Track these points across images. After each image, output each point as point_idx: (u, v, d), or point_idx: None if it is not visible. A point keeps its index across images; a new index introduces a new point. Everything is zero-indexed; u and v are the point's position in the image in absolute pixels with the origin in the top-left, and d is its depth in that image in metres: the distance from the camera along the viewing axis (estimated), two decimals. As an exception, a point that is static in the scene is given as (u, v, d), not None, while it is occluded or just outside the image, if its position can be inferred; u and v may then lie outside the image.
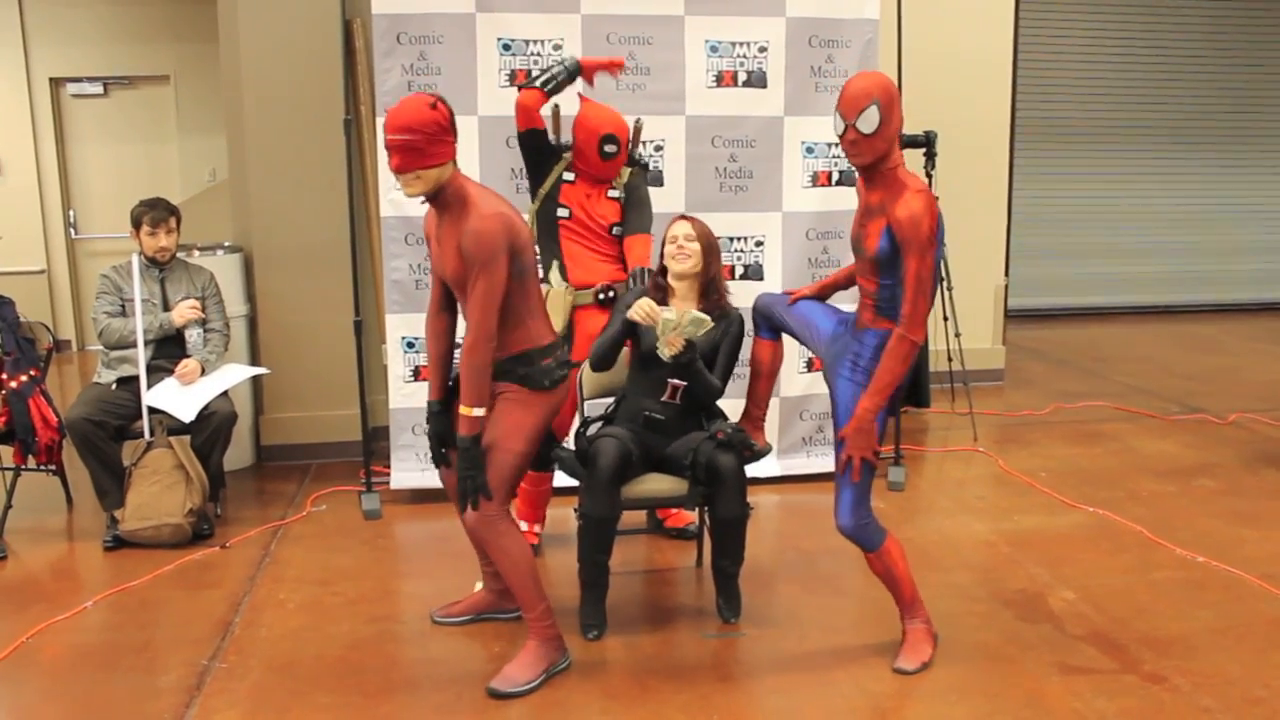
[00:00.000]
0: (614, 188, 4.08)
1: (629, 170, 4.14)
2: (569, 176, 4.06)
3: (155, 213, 4.56)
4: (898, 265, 3.04)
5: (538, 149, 4.07)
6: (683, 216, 3.68)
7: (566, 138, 4.13)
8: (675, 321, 3.40)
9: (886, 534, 3.27)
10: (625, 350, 3.73)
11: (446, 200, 3.08)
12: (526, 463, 3.22)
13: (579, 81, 4.11)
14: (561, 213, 4.05)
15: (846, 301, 3.50)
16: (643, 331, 3.60)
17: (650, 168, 4.26)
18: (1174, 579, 3.96)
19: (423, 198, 3.08)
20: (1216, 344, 8.72)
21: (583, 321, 4.05)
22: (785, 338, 3.56)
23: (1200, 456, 5.52)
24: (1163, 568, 4.07)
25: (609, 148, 3.97)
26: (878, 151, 3.06)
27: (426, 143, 2.95)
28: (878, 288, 3.12)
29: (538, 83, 3.97)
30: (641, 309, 3.42)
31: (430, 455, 3.41)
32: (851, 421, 3.08)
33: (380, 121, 4.61)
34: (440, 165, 3.00)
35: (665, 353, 3.42)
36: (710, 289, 3.62)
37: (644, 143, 4.63)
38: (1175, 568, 4.07)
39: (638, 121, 4.29)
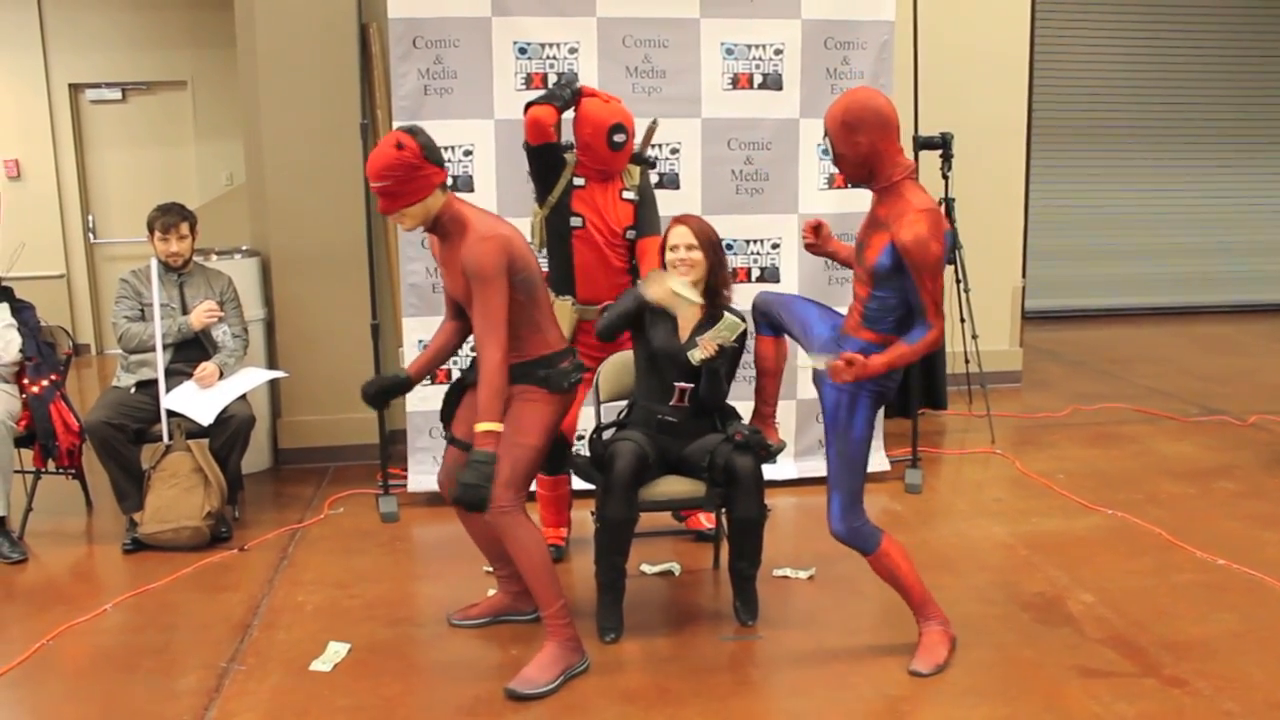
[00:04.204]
0: (627, 189, 4.05)
1: (639, 170, 4.12)
2: (579, 181, 3.98)
3: (166, 218, 4.57)
4: (893, 281, 3.07)
5: (547, 161, 3.99)
6: (681, 220, 3.63)
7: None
8: (713, 333, 3.40)
9: (883, 536, 3.27)
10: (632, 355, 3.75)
11: (445, 228, 3.13)
12: (541, 457, 3.25)
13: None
14: (575, 222, 3.96)
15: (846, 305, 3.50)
16: (652, 331, 3.60)
17: (655, 164, 4.25)
18: (1194, 582, 3.94)
19: (421, 228, 3.15)
20: (1236, 345, 8.66)
21: (586, 337, 4.00)
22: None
23: (1220, 458, 5.48)
24: (1183, 570, 4.04)
25: (618, 137, 3.91)
26: (854, 175, 3.12)
27: (399, 184, 2.99)
28: (869, 296, 3.14)
29: (554, 101, 3.90)
30: (659, 287, 3.40)
31: (363, 392, 3.43)
32: (855, 363, 3.02)
33: (396, 125, 4.63)
34: (422, 200, 3.04)
35: (697, 356, 3.42)
36: (715, 293, 3.61)
37: (658, 145, 4.63)
38: (1195, 570, 4.04)
39: (653, 122, 4.28)
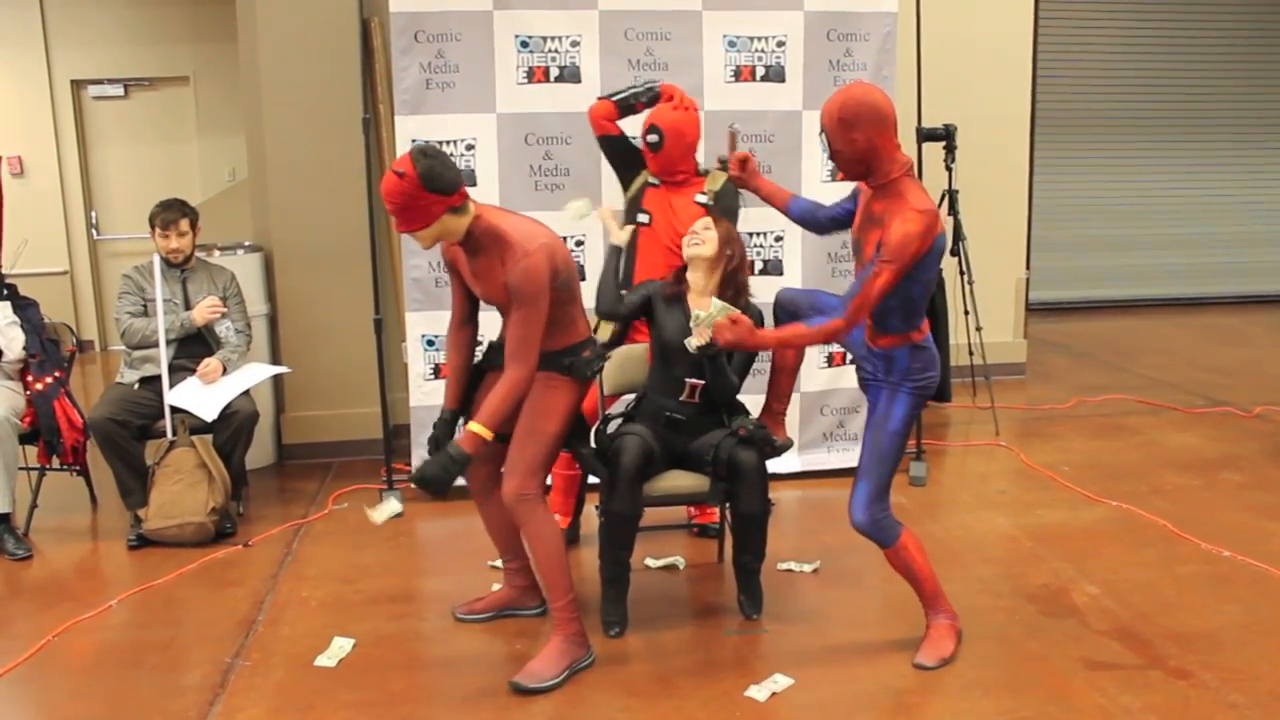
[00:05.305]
0: (704, 193, 4.07)
1: (723, 176, 4.09)
2: (654, 181, 4.11)
3: (167, 214, 4.57)
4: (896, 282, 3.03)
5: (617, 153, 4.17)
6: (707, 212, 3.66)
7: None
8: (709, 315, 3.36)
9: (903, 529, 3.26)
10: (644, 348, 3.73)
11: (479, 242, 3.11)
12: (560, 444, 3.27)
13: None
14: (642, 218, 4.09)
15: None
16: (664, 323, 3.59)
17: None
18: (1199, 573, 3.93)
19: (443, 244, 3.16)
20: (1240, 336, 8.65)
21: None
22: None
23: (1224, 449, 5.47)
24: (1187, 562, 4.04)
25: (650, 137, 4.02)
26: (851, 172, 3.10)
27: (401, 210, 2.98)
28: None
29: (615, 97, 4.08)
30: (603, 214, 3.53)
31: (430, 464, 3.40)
32: (740, 324, 3.05)
33: (399, 120, 4.64)
34: (427, 225, 3.02)
35: (694, 343, 3.41)
36: (729, 284, 3.60)
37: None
38: (1200, 562, 4.04)
39: (731, 127, 4.24)
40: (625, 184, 4.19)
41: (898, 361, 3.15)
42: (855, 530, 3.23)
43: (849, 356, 4.94)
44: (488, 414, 3.05)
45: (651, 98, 4.11)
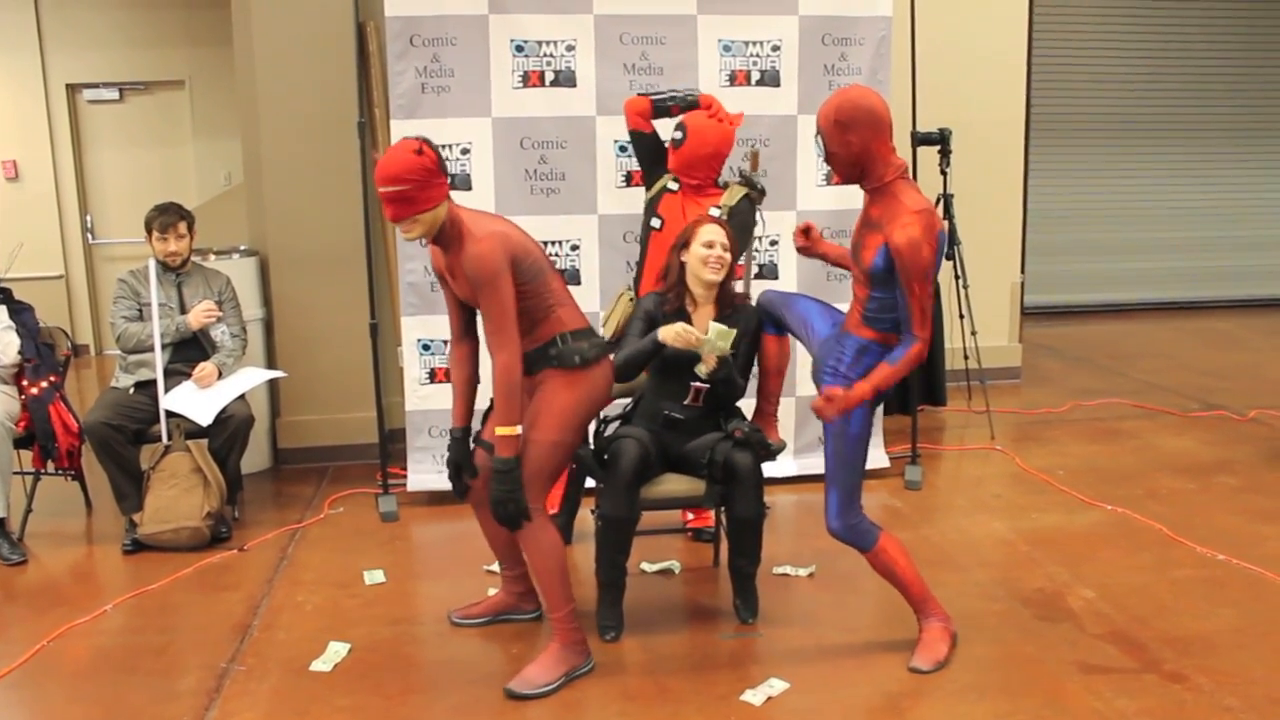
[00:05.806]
0: (718, 206, 4.05)
1: (741, 192, 4.10)
2: (673, 186, 4.10)
3: (164, 218, 4.57)
4: (890, 282, 3.06)
5: (646, 151, 4.18)
6: (712, 219, 3.64)
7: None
8: (710, 342, 3.37)
9: (880, 532, 3.27)
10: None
11: (448, 236, 3.10)
12: (567, 454, 3.20)
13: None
14: (654, 223, 4.10)
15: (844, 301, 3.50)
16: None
17: (764, 194, 4.21)
18: (1194, 577, 3.94)
19: (422, 240, 3.12)
20: (1235, 340, 8.66)
21: None
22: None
23: (1220, 453, 5.48)
24: (1183, 566, 4.04)
25: (675, 133, 4.05)
26: (846, 174, 3.10)
27: (417, 190, 2.96)
28: (868, 297, 3.14)
29: (653, 96, 4.11)
30: (677, 335, 3.35)
31: (451, 486, 3.39)
32: (840, 394, 3.03)
33: (394, 124, 4.64)
34: (434, 208, 3.02)
35: (703, 372, 3.41)
36: (727, 291, 3.61)
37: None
38: (1195, 566, 4.04)
39: (751, 147, 4.18)
40: (649, 183, 4.21)
41: (868, 355, 3.14)
42: (833, 538, 3.24)
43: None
44: (500, 414, 3.02)
45: (689, 105, 4.11)
